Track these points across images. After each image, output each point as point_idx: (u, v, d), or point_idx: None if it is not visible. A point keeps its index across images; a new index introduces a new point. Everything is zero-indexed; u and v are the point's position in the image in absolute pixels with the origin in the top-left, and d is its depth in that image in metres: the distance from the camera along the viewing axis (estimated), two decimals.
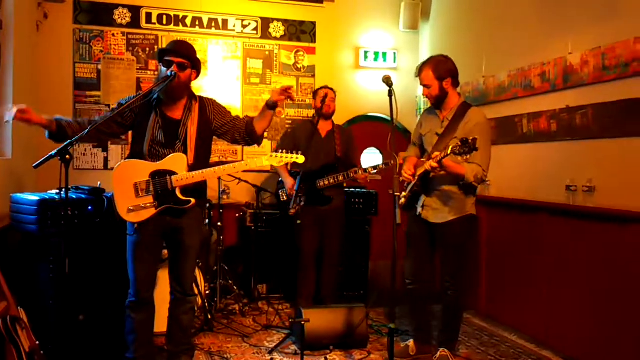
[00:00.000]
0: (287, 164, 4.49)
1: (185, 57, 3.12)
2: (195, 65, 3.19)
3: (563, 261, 3.93)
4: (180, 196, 3.09)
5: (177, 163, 3.10)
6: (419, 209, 3.63)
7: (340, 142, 4.55)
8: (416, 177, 3.56)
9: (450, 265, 3.62)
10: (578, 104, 3.85)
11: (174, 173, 3.08)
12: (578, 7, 3.92)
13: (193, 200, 3.13)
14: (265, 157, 3.19)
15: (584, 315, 3.72)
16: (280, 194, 4.62)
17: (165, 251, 3.52)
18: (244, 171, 5.61)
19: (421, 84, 3.57)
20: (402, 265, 3.77)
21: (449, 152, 3.20)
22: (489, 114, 4.84)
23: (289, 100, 3.36)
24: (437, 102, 3.61)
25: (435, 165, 3.29)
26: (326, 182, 4.40)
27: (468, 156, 3.13)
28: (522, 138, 4.44)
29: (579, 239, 3.80)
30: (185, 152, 3.14)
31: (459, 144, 3.13)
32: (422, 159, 3.67)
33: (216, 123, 3.28)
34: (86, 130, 2.87)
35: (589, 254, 3.70)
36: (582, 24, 3.87)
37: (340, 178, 4.37)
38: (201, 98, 3.31)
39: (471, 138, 3.10)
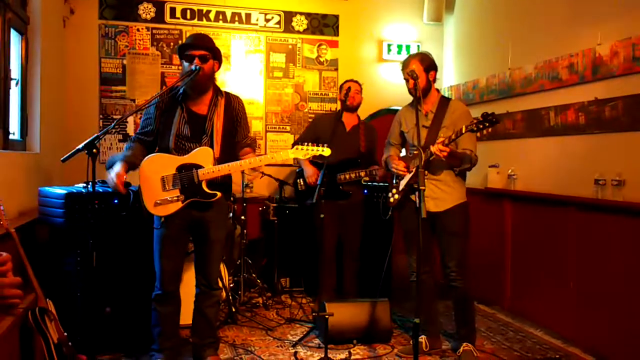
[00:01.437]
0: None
1: (206, 49, 3.14)
2: (217, 56, 3.22)
3: (591, 256, 3.86)
4: (206, 190, 3.10)
5: (203, 157, 3.12)
6: (418, 201, 3.59)
7: (365, 138, 4.52)
8: (412, 170, 3.56)
9: (454, 254, 3.60)
10: (607, 96, 3.76)
11: (200, 167, 3.09)
12: None
13: (219, 194, 3.14)
14: (291, 150, 3.18)
15: (613, 311, 3.65)
16: (299, 182, 4.61)
17: (191, 244, 3.55)
18: (267, 165, 5.69)
19: (413, 77, 3.53)
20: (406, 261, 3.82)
21: (464, 131, 3.22)
22: (515, 106, 4.81)
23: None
24: (422, 95, 3.61)
25: (444, 148, 3.28)
26: (347, 177, 4.38)
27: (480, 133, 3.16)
28: (549, 131, 4.36)
29: (607, 234, 3.72)
30: (211, 145, 3.16)
31: (480, 118, 3.16)
32: (409, 155, 3.74)
33: (236, 122, 3.31)
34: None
35: (618, 249, 3.62)
36: (612, 14, 3.78)
37: (362, 174, 4.34)
38: (227, 94, 3.34)
39: (490, 112, 3.16)
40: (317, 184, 3.84)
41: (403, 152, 3.93)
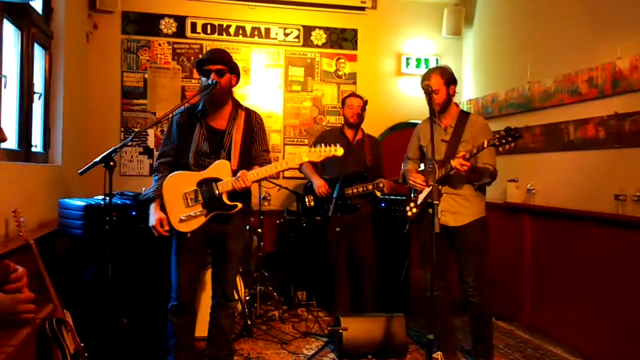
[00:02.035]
0: (315, 167, 4.55)
1: (222, 63, 3.18)
2: (234, 70, 3.25)
3: (611, 273, 3.78)
4: (227, 202, 3.14)
5: (221, 170, 3.15)
6: (433, 216, 3.56)
7: (370, 151, 4.52)
8: (431, 184, 3.53)
9: (472, 269, 3.56)
10: (627, 110, 3.71)
11: (219, 180, 3.13)
12: (626, 11, 3.79)
13: (240, 205, 3.17)
14: (304, 152, 3.13)
15: (633, 329, 3.57)
16: (307, 198, 4.61)
17: (208, 256, 3.58)
18: (286, 177, 5.72)
19: (428, 90, 3.50)
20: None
21: (485, 146, 3.21)
22: (534, 120, 4.77)
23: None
24: (443, 109, 3.60)
25: (464, 162, 3.25)
26: (355, 191, 4.37)
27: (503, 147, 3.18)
28: (569, 145, 4.32)
29: (628, 251, 3.65)
30: (229, 159, 3.19)
31: (503, 133, 3.16)
32: (428, 169, 3.72)
33: (254, 136, 3.33)
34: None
35: (639, 265, 3.55)
36: (631, 28, 3.74)
37: (370, 187, 4.33)
38: (247, 109, 3.38)
39: (513, 127, 3.15)
40: (329, 197, 3.83)
41: (422, 167, 3.91)
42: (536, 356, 4.06)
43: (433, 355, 3.64)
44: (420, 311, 4.71)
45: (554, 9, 4.66)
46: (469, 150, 3.30)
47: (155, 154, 5.58)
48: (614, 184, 3.79)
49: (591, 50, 4.12)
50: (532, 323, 4.68)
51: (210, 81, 3.12)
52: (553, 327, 4.40)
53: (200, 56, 3.49)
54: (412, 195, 3.77)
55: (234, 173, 3.15)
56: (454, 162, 3.30)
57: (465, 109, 5.99)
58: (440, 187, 3.42)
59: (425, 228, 3.64)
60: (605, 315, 3.83)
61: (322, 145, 3.11)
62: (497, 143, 3.21)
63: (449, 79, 3.60)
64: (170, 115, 3.26)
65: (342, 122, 4.70)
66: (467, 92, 6.10)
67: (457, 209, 3.56)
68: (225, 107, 3.28)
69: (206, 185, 3.13)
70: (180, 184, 3.15)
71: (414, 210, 3.71)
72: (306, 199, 4.61)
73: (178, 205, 3.13)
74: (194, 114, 3.26)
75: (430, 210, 3.55)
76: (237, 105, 3.32)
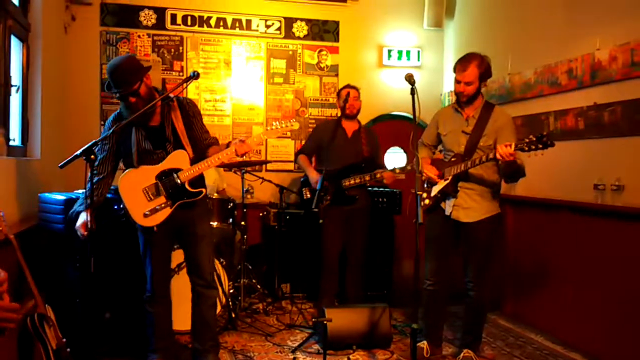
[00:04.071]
0: (311, 160, 4.61)
1: (129, 84, 2.99)
2: (140, 75, 3.05)
3: (591, 261, 3.85)
4: (190, 189, 3.15)
5: (179, 160, 3.16)
6: (449, 209, 3.54)
7: (367, 142, 4.53)
8: (450, 177, 3.49)
9: (476, 265, 3.56)
10: (606, 101, 3.76)
11: (179, 169, 3.13)
12: (606, 2, 3.83)
13: (204, 190, 3.22)
14: (262, 131, 3.35)
15: (613, 317, 3.64)
16: (304, 191, 4.63)
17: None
18: (268, 170, 5.71)
19: (461, 80, 3.42)
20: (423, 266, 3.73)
21: (525, 146, 3.06)
22: (514, 111, 4.79)
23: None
24: (469, 101, 3.51)
25: (511, 152, 3.09)
26: (352, 182, 4.38)
27: (537, 153, 3.07)
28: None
29: (607, 239, 3.72)
30: (181, 148, 3.17)
31: (533, 138, 3.02)
32: (444, 159, 3.65)
33: (191, 120, 3.27)
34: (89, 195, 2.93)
35: (618, 254, 3.61)
36: (610, 19, 3.78)
37: (367, 178, 4.34)
38: (178, 97, 3.27)
39: (545, 133, 3.03)
40: (326, 188, 3.84)
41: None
42: (518, 344, 4.11)
43: (419, 344, 3.69)
44: (404, 302, 4.75)
45: (534, 1, 4.69)
46: (510, 145, 3.11)
47: None
48: (593, 174, 3.85)
49: (571, 41, 4.16)
50: (514, 312, 4.75)
51: (124, 105, 3.10)
52: (535, 315, 4.47)
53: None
54: (425, 185, 3.71)
55: (193, 161, 3.16)
56: (503, 152, 3.11)
57: (444, 102, 6.06)
58: (448, 178, 3.41)
59: (434, 221, 3.63)
60: (585, 303, 3.89)
61: (279, 122, 3.28)
62: (526, 148, 3.05)
63: (485, 73, 3.44)
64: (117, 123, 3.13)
65: (336, 115, 4.70)
66: (448, 84, 6.12)
67: (469, 205, 3.50)
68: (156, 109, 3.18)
69: (166, 176, 3.13)
70: (137, 180, 3.13)
71: (427, 202, 3.63)
72: (304, 192, 4.62)
73: (139, 201, 3.12)
74: (123, 120, 3.10)
75: (443, 204, 3.56)
76: (165, 98, 3.15)
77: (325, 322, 3.65)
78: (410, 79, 3.18)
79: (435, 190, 3.61)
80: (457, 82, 3.48)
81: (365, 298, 4.65)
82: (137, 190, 3.11)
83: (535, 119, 4.52)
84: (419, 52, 6.19)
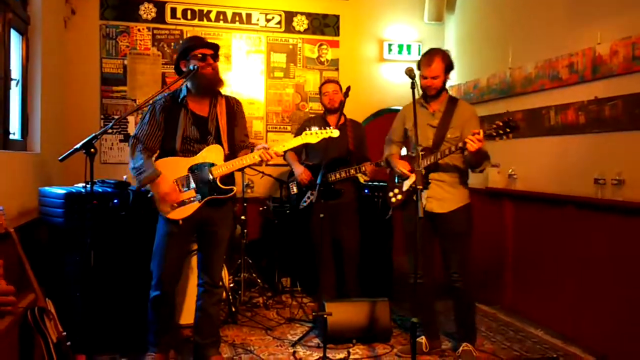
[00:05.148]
0: (301, 157, 4.62)
1: (213, 48, 3.19)
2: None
3: (591, 256, 3.85)
4: (221, 186, 3.13)
5: (214, 154, 3.14)
6: (423, 202, 3.56)
7: (353, 136, 4.52)
8: (422, 169, 3.51)
9: (457, 256, 3.59)
10: (607, 95, 3.75)
11: (212, 165, 3.11)
12: None
13: (235, 188, 3.18)
14: (301, 136, 3.23)
15: (612, 311, 3.65)
16: (291, 186, 4.62)
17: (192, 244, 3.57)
18: (269, 165, 5.69)
19: (428, 75, 3.51)
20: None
21: (493, 132, 3.20)
22: (515, 106, 4.80)
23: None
24: (436, 95, 3.59)
25: (481, 138, 3.16)
26: (337, 176, 4.38)
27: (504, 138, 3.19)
28: (550, 130, 4.36)
29: (607, 233, 3.72)
30: (219, 144, 3.18)
31: (500, 123, 3.14)
32: (411, 153, 3.69)
33: (235, 122, 3.32)
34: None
35: (618, 248, 3.61)
36: (611, 13, 3.77)
37: (352, 172, 4.34)
38: (226, 96, 3.36)
39: (510, 117, 3.15)
40: (313, 183, 3.83)
41: (403, 152, 3.91)
42: (518, 338, 4.12)
43: (417, 339, 3.69)
44: (403, 296, 4.74)
45: None
46: (477, 133, 3.19)
47: None
48: (593, 168, 3.84)
49: (572, 35, 4.15)
50: (513, 306, 4.75)
51: (191, 66, 3.08)
52: (534, 310, 4.47)
53: (182, 41, 3.46)
54: (396, 181, 3.77)
55: (226, 158, 3.14)
56: (469, 139, 3.18)
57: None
58: (423, 171, 3.43)
59: (410, 215, 3.65)
60: (585, 297, 3.90)
61: (317, 128, 3.23)
62: (495, 134, 3.16)
63: (449, 66, 3.56)
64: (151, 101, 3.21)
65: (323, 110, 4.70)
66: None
67: (442, 196, 3.56)
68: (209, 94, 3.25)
69: (198, 170, 3.11)
70: (170, 169, 3.12)
71: (399, 197, 3.71)
72: (290, 187, 4.61)
73: (170, 191, 3.09)
74: (176, 100, 3.22)
75: (415, 197, 3.57)
76: (215, 93, 3.29)
77: (325, 316, 3.66)
78: (410, 73, 3.22)
79: (407, 184, 3.66)
80: (423, 77, 3.56)
81: (365, 292, 4.65)
82: (169, 181, 3.10)
83: (536, 114, 4.51)
84: (419, 46, 6.16)
